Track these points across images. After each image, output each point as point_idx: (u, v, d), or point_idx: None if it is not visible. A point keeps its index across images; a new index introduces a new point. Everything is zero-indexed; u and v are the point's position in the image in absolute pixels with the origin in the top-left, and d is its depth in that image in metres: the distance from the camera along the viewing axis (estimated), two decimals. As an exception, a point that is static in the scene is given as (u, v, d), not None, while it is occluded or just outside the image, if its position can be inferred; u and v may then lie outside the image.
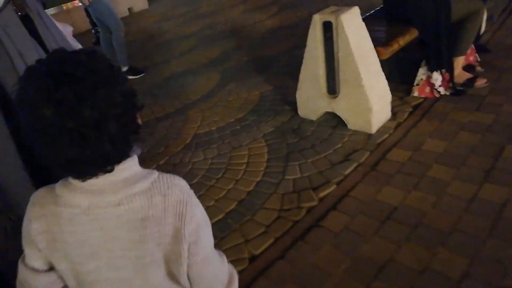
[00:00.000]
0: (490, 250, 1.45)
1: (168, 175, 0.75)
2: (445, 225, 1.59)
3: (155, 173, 0.74)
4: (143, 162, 1.19)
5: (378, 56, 2.17)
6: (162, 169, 1.73)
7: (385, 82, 2.26)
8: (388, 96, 2.28)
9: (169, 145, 2.64)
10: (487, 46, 2.90)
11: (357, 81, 2.08)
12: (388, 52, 2.17)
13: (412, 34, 2.35)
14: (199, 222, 0.76)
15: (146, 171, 0.75)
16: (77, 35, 3.33)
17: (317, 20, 2.09)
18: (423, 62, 2.46)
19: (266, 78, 3.35)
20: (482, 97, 2.38)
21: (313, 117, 2.43)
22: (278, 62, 3.68)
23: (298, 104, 2.51)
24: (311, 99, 2.38)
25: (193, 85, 3.56)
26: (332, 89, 2.25)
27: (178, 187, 0.74)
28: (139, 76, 4.04)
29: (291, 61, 3.55)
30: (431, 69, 2.42)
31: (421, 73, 2.47)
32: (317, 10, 2.20)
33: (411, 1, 2.37)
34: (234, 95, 3.15)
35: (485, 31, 2.86)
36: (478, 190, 1.72)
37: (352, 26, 2.06)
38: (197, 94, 3.34)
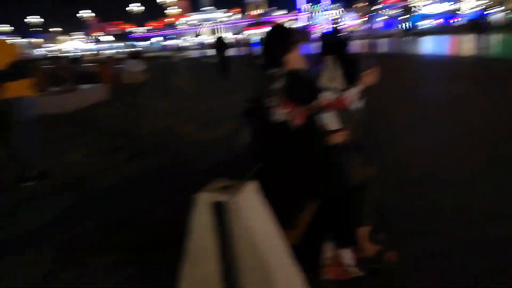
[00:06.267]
0: None
1: None
2: None
3: None
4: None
5: (288, 241, 1.65)
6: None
7: (299, 276, 1.72)
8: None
9: None
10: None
11: (267, 281, 1.51)
12: (299, 234, 1.66)
13: (312, 205, 1.87)
14: None
15: None
16: None
17: (203, 201, 1.53)
18: (327, 238, 1.99)
19: (120, 255, 2.54)
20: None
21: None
22: (138, 227, 2.94)
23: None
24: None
25: (7, 277, 2.45)
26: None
27: None
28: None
29: (157, 225, 2.90)
30: (339, 245, 1.97)
31: (327, 251, 1.99)
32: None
33: (298, 167, 1.93)
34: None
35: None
36: None
37: (253, 207, 1.53)
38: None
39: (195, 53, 34.08)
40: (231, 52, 16.37)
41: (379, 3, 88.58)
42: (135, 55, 17.17)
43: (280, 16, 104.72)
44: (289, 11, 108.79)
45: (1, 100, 3.81)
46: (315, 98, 1.91)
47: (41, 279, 2.38)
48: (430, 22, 65.40)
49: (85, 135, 6.40)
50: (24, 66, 4.02)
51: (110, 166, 4.57)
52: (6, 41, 4.09)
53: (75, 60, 19.94)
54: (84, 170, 4.53)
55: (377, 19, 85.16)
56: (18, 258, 2.64)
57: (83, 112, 8.83)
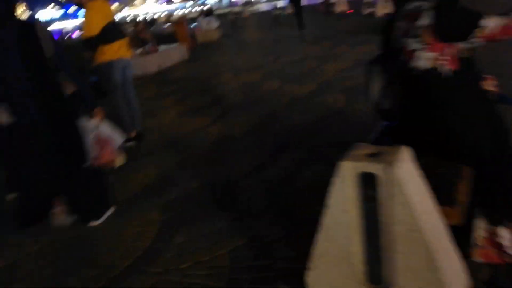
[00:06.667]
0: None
1: None
2: None
3: None
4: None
5: (447, 221, 1.33)
6: None
7: (461, 262, 1.42)
8: (466, 280, 1.44)
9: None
10: None
11: (430, 270, 1.21)
12: (460, 213, 1.33)
13: (469, 175, 1.50)
14: None
15: None
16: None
17: (347, 171, 1.27)
18: (481, 213, 1.62)
19: (230, 220, 2.41)
20: None
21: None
22: (243, 190, 2.76)
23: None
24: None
25: (116, 239, 2.46)
26: (377, 277, 1.35)
27: None
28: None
29: (262, 189, 2.69)
30: (495, 222, 1.60)
31: (480, 229, 1.62)
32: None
33: (450, 126, 1.56)
34: (189, 257, 2.13)
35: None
36: None
37: (411, 181, 1.24)
38: (125, 257, 2.24)
39: (265, 6, 33.14)
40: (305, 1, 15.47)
41: None
42: (208, 12, 17.04)
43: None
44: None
45: (101, 64, 3.83)
46: (472, 31, 1.48)
47: (151, 243, 2.37)
48: None
49: (173, 95, 6.49)
50: (118, 28, 4.00)
51: (204, 124, 4.54)
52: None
53: (152, 22, 20.54)
54: (179, 129, 4.57)
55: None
56: (126, 221, 2.69)
57: (167, 72, 8.99)
